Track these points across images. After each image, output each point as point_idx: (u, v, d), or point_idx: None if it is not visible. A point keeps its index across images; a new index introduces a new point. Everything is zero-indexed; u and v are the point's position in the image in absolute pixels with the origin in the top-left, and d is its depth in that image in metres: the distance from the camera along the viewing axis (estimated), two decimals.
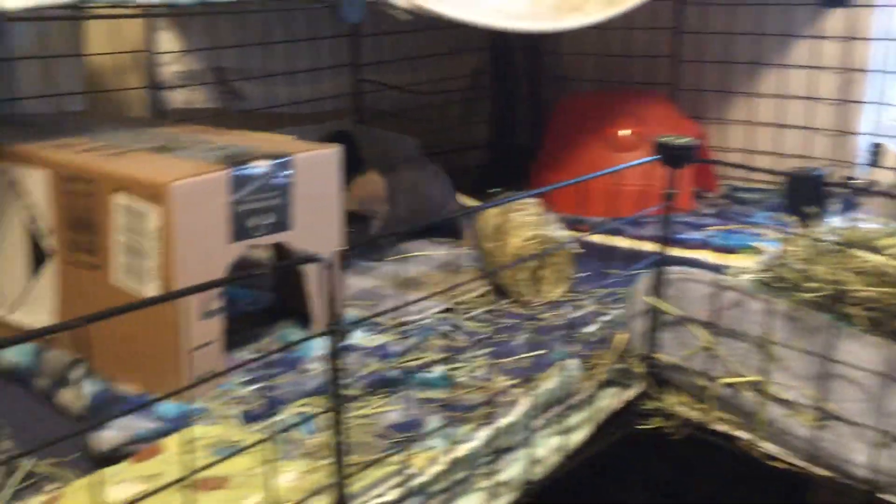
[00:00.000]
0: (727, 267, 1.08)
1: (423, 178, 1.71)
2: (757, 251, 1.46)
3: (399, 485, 0.80)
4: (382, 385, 1.08)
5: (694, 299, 1.07)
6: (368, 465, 0.79)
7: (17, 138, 1.17)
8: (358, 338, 1.23)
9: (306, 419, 0.79)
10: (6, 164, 1.14)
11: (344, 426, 0.70)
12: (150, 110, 1.72)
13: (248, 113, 1.86)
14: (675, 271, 1.09)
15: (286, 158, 1.10)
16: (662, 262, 1.09)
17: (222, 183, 1.03)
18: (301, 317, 1.22)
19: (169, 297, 0.73)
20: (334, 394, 0.69)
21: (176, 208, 0.99)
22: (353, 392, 1.01)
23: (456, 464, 0.85)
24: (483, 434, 0.89)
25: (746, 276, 1.06)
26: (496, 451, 0.89)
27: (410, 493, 0.80)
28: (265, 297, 1.39)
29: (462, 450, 0.86)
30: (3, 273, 1.17)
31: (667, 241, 1.07)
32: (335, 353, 0.68)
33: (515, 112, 2.42)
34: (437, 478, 0.83)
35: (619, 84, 2.26)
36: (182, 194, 0.99)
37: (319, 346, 1.19)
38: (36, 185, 1.11)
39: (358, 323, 1.16)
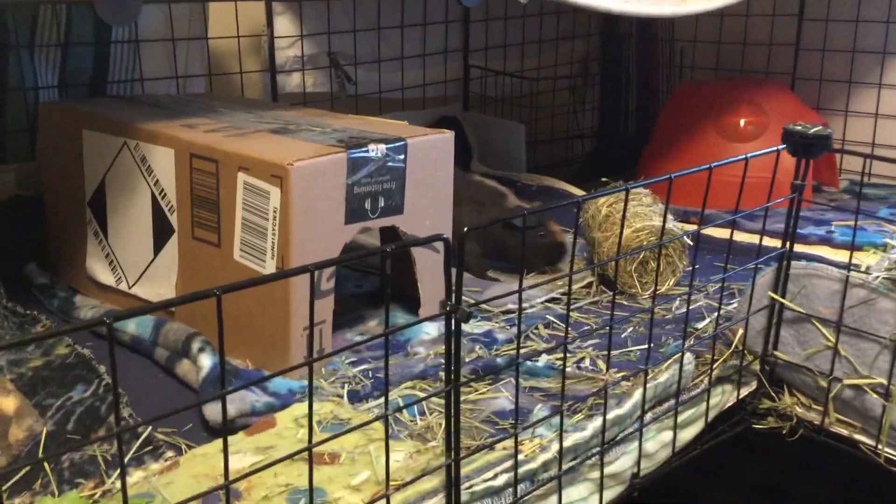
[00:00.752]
0: (854, 264, 1.03)
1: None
2: (884, 248, 1.39)
3: (507, 470, 0.80)
4: (488, 372, 1.08)
5: (818, 296, 1.02)
6: (479, 449, 0.79)
7: (147, 117, 1.22)
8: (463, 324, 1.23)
9: (419, 400, 0.80)
10: (137, 142, 1.18)
11: (457, 409, 0.70)
12: (266, 93, 1.76)
13: (357, 98, 1.88)
14: (799, 266, 1.04)
15: (401, 142, 1.11)
16: (786, 256, 1.05)
17: (340, 165, 1.05)
18: (407, 301, 1.23)
19: (295, 272, 0.74)
20: (450, 376, 0.69)
21: (296, 188, 1.01)
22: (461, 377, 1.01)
23: (565, 453, 0.84)
24: (593, 425, 0.88)
25: (875, 274, 1.00)
26: (606, 442, 0.88)
27: (519, 480, 0.80)
28: (372, 281, 1.41)
29: (571, 439, 0.85)
30: (129, 246, 1.22)
31: (793, 235, 1.03)
32: (453, 335, 0.68)
33: (625, 100, 2.37)
34: (545, 466, 0.82)
35: (735, 72, 2.19)
36: (302, 175, 1.01)
37: (426, 331, 1.20)
38: (163, 162, 1.15)
39: (476, 305, 1.16)
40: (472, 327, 1.22)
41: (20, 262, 1.32)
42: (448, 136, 1.17)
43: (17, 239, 1.33)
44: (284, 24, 1.74)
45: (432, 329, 1.20)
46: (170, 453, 0.88)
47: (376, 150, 1.08)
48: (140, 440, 0.88)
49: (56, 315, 1.24)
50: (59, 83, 1.45)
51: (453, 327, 0.68)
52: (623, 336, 1.18)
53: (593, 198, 1.38)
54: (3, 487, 0.82)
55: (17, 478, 0.83)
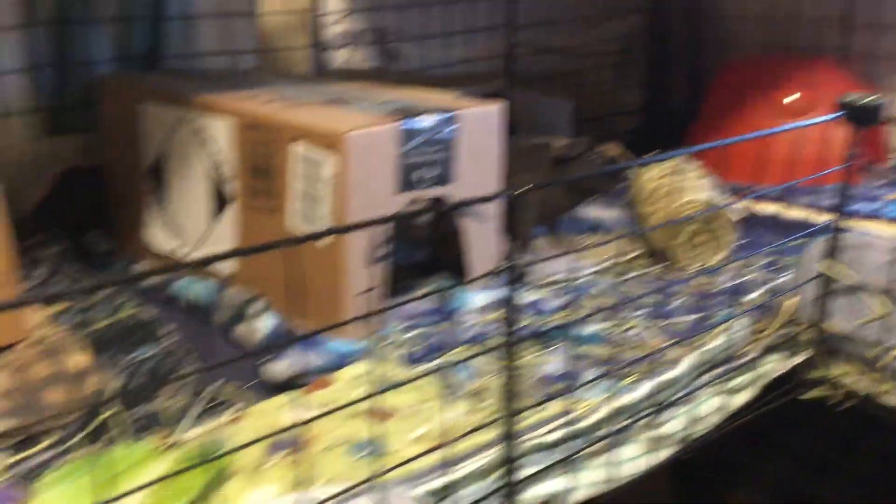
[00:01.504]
0: None
1: None
2: None
3: (560, 427, 0.82)
4: (536, 339, 1.09)
5: (871, 267, 1.02)
6: (536, 405, 0.81)
7: (203, 89, 1.25)
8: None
9: (476, 355, 0.82)
10: (193, 114, 1.22)
11: (515, 361, 0.72)
12: (314, 69, 1.79)
13: (403, 74, 1.90)
14: (850, 237, 1.05)
15: (452, 113, 1.13)
16: (837, 228, 1.05)
17: (393, 134, 1.07)
18: (454, 272, 1.25)
19: (340, 230, 0.77)
20: (508, 331, 0.71)
21: (350, 157, 1.03)
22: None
23: (617, 413, 0.85)
24: (645, 387, 0.89)
25: None
26: (657, 405, 0.89)
27: (570, 437, 0.82)
28: (420, 252, 1.43)
29: (622, 401, 0.87)
30: (186, 216, 1.26)
31: (844, 205, 1.03)
32: (511, 290, 0.70)
33: (670, 77, 2.36)
34: (598, 424, 0.84)
35: (784, 49, 2.16)
36: (356, 144, 1.03)
37: (474, 300, 1.22)
38: (220, 133, 1.18)
39: (534, 262, 1.17)
40: (522, 298, 1.24)
41: (82, 231, 1.37)
42: (498, 107, 1.19)
43: (79, 208, 1.37)
44: (332, 1, 1.76)
45: (481, 298, 1.22)
46: (233, 409, 0.92)
47: (428, 121, 1.10)
48: (206, 396, 0.92)
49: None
50: (117, 57, 1.49)
51: (512, 282, 0.70)
52: (671, 307, 1.19)
53: (645, 163, 1.40)
54: (76, 439, 0.86)
55: (88, 429, 0.87)
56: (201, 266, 0.56)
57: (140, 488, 0.64)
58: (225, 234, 1.21)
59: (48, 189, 1.37)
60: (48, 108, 1.41)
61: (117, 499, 0.61)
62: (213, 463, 0.75)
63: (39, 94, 1.41)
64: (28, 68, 1.38)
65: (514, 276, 0.69)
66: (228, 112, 1.17)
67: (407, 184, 1.11)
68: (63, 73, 1.42)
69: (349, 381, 0.95)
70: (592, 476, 0.81)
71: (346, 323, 0.96)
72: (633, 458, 0.87)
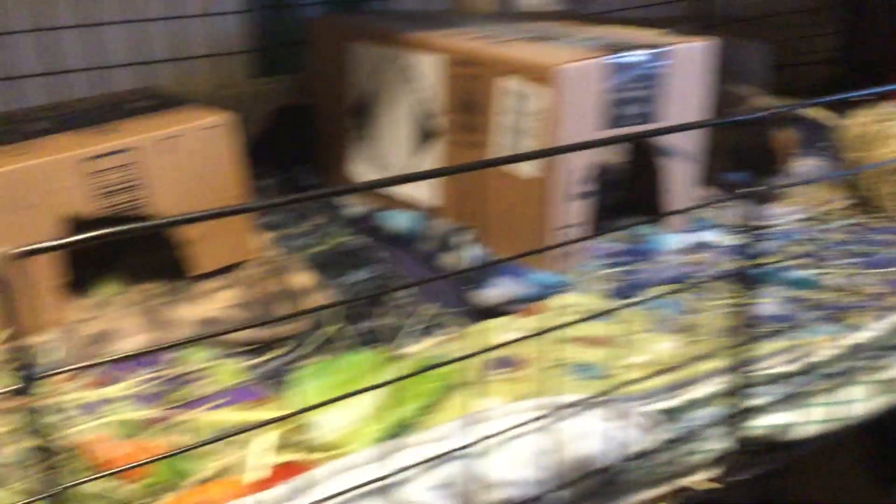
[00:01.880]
0: None
1: None
2: None
3: (787, 363, 0.80)
4: (741, 281, 1.07)
5: None
6: (764, 336, 0.80)
7: (409, 28, 1.29)
8: (710, 237, 1.23)
9: (698, 284, 0.81)
10: (400, 51, 1.25)
11: (748, 292, 0.71)
12: (500, 12, 1.79)
13: (591, 15, 1.87)
14: None
15: (664, 49, 1.10)
16: None
17: (603, 69, 1.06)
18: (649, 214, 1.24)
19: (551, 151, 0.77)
20: (743, 261, 0.70)
21: (561, 90, 1.03)
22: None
23: (844, 354, 0.83)
24: (872, 329, 0.86)
25: None
26: (886, 347, 0.86)
27: (797, 374, 0.80)
28: (618, 193, 1.42)
29: (851, 339, 0.84)
30: (391, 150, 1.31)
31: None
32: (753, 216, 0.69)
33: (871, 22, 2.20)
34: (825, 363, 0.82)
35: None
36: (567, 77, 1.04)
37: (671, 242, 1.20)
38: (428, 69, 1.21)
39: (773, 188, 1.15)
40: (719, 240, 1.21)
41: (292, 167, 1.45)
42: (712, 43, 1.15)
43: (291, 145, 1.46)
44: None
45: (677, 241, 1.20)
46: (448, 329, 0.96)
47: (638, 56, 1.09)
48: (421, 317, 0.96)
49: (324, 212, 1.35)
50: (324, 0, 1.56)
51: (754, 208, 0.69)
52: (885, 256, 1.13)
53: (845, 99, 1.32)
54: (304, 349, 0.93)
55: (317, 340, 0.94)
56: (412, 181, 0.57)
57: (382, 385, 0.68)
58: (428, 167, 1.24)
59: (265, 126, 1.46)
60: (263, 48, 1.50)
61: (361, 392, 0.65)
62: (438, 374, 0.79)
63: (256, 34, 1.49)
64: (246, 10, 1.47)
65: (760, 200, 0.68)
66: (438, 49, 1.20)
67: (612, 120, 1.10)
68: (277, 14, 1.50)
69: (558, 310, 0.97)
70: (820, 413, 0.80)
71: (549, 249, 0.98)
72: (863, 400, 0.84)
